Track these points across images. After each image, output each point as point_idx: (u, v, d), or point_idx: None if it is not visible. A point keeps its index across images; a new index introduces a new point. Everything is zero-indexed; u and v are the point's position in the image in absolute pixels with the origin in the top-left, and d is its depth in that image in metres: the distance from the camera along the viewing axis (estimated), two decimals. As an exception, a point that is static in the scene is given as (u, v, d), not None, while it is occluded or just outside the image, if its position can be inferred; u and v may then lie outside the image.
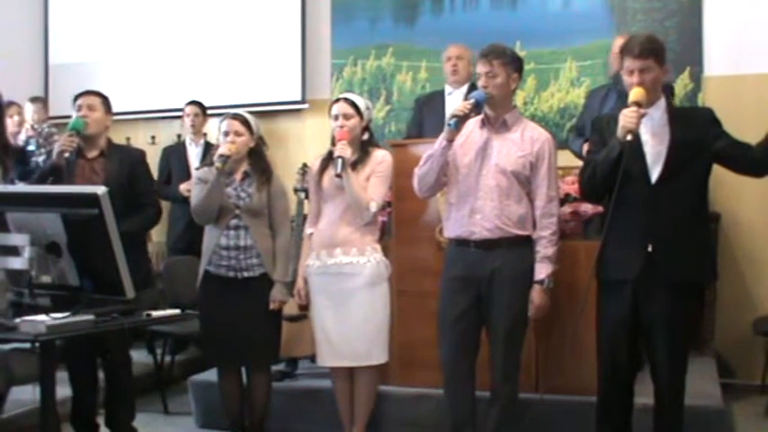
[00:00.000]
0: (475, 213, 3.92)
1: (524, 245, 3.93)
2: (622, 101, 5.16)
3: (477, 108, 3.90)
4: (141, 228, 4.65)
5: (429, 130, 5.41)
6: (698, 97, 6.17)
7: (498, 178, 3.90)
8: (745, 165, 3.68)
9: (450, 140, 3.87)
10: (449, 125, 3.82)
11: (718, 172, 3.80)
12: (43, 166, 4.53)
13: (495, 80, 3.90)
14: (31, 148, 6.83)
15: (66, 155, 4.31)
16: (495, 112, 3.97)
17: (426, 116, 5.86)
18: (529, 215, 3.94)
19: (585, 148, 5.09)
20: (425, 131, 5.58)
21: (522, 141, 3.94)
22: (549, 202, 3.93)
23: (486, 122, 4.00)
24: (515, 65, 3.96)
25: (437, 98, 5.88)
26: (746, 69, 5.95)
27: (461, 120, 3.83)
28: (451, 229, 4.03)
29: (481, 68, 3.93)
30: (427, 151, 3.98)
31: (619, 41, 5.37)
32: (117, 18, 7.86)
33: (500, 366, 3.95)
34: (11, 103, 6.92)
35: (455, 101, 4.03)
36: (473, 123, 4.01)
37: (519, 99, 6.65)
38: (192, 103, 6.82)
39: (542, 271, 3.91)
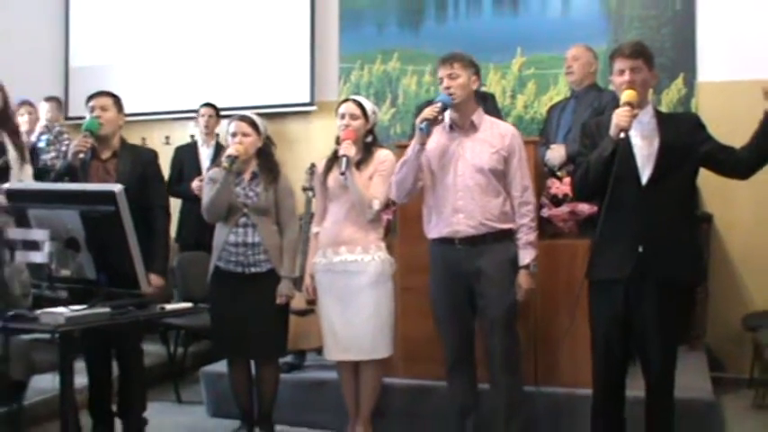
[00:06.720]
0: (457, 213, 3.97)
1: (507, 238, 3.99)
2: (580, 102, 5.29)
3: (444, 109, 3.96)
4: (168, 236, 4.68)
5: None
6: (691, 102, 6.20)
7: (476, 177, 3.95)
8: (731, 167, 3.69)
9: (423, 144, 3.93)
10: (420, 129, 3.88)
11: (711, 175, 3.82)
12: (59, 167, 4.52)
13: (458, 80, 3.97)
14: (41, 145, 6.87)
15: (81, 155, 4.29)
16: (460, 114, 4.03)
17: None
18: (508, 207, 4.00)
19: (548, 154, 5.16)
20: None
21: (493, 138, 4.01)
22: (525, 191, 4.00)
23: (454, 126, 4.06)
24: (474, 68, 4.05)
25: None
26: (738, 76, 5.95)
27: (432, 123, 3.89)
28: (434, 231, 4.08)
29: (442, 72, 4.00)
30: (402, 158, 4.04)
31: (572, 50, 5.49)
32: (134, 23, 7.91)
33: (501, 356, 3.99)
34: (24, 102, 6.97)
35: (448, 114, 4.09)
36: (441, 130, 4.06)
37: (519, 103, 6.69)
38: (207, 105, 6.85)
39: (526, 256, 3.97)
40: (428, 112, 3.89)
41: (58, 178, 4.39)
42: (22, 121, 6.91)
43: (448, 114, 4.04)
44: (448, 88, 3.96)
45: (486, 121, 4.08)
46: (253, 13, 7.50)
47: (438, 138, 4.05)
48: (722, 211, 5.95)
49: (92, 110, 4.44)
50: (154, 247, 4.34)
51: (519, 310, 4.06)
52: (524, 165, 4.03)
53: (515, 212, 4.00)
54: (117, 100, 4.52)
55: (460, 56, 4.03)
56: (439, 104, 3.93)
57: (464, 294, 4.02)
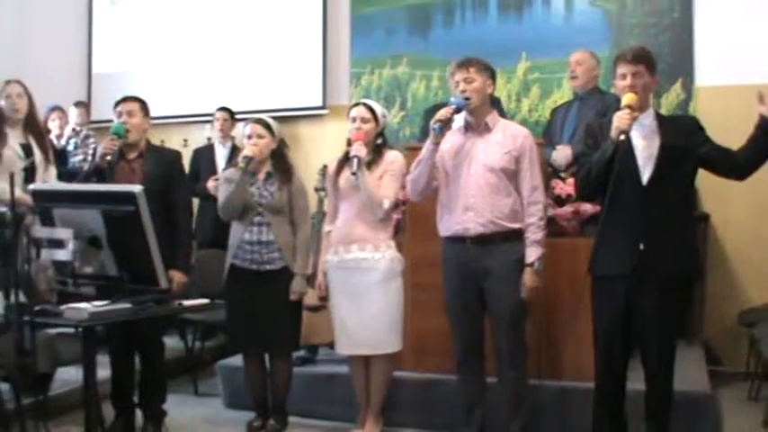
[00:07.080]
0: (468, 211, 3.96)
1: (516, 238, 3.96)
2: (584, 104, 5.26)
3: (458, 111, 3.96)
4: (191, 234, 4.70)
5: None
6: (690, 105, 6.20)
7: (487, 176, 3.95)
8: (728, 168, 3.69)
9: (437, 143, 3.93)
10: (434, 129, 3.89)
11: (708, 176, 3.81)
12: (87, 168, 4.54)
13: (473, 84, 3.97)
14: (70, 148, 6.92)
15: (109, 157, 4.30)
16: (475, 117, 4.03)
17: None
18: (519, 207, 3.98)
19: (554, 155, 5.14)
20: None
21: (505, 139, 4.00)
22: (534, 190, 3.98)
23: (468, 128, 4.06)
24: (489, 72, 4.04)
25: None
26: (734, 80, 5.95)
27: (445, 124, 3.89)
28: (445, 228, 4.07)
29: (459, 76, 4.00)
30: (417, 158, 4.03)
31: (576, 55, 5.47)
32: (153, 32, 7.96)
33: (507, 352, 3.98)
34: (55, 108, 7.04)
35: (460, 117, 4.08)
36: (457, 132, 4.07)
37: (524, 106, 6.68)
38: (222, 109, 6.88)
39: (533, 254, 3.94)
40: (442, 113, 3.89)
41: (86, 179, 4.40)
42: (54, 125, 6.98)
43: (462, 116, 4.04)
44: (464, 91, 3.96)
45: (500, 123, 4.08)
46: (266, 21, 7.52)
47: (453, 138, 4.05)
48: (719, 211, 5.95)
49: (119, 115, 4.44)
50: (177, 244, 4.36)
51: (527, 308, 4.04)
52: (535, 165, 4.01)
53: (525, 211, 3.98)
54: (143, 105, 4.52)
55: (476, 60, 4.03)
56: (452, 106, 3.93)
57: (474, 292, 4.01)
